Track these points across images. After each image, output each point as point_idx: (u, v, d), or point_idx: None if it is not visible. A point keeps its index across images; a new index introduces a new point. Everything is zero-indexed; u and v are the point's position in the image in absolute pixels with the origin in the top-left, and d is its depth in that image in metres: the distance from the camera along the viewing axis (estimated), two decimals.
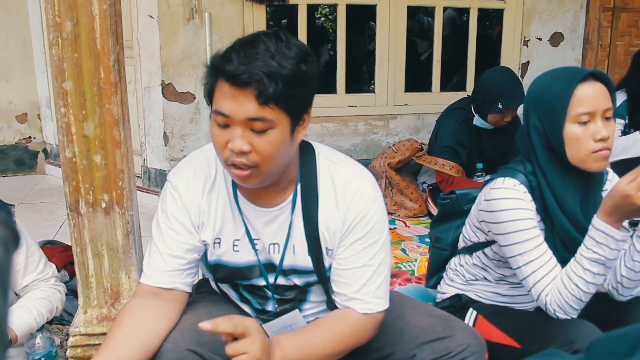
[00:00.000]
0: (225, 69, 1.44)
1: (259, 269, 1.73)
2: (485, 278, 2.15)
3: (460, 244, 2.24)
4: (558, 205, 1.89)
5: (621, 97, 3.78)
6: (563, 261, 1.84)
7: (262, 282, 1.76)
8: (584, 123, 1.80)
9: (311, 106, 1.58)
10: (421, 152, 4.31)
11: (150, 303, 1.65)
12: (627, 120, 3.80)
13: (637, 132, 3.72)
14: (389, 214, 4.23)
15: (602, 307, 2.04)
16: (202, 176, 1.70)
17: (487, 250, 2.08)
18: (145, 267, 1.69)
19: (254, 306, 1.83)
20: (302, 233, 1.69)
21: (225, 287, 1.84)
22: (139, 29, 4.30)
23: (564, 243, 1.88)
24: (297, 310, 1.78)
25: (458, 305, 2.19)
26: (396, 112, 4.86)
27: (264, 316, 1.81)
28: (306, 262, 1.71)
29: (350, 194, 1.66)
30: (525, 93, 1.97)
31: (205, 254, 1.74)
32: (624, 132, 3.77)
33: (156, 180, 4.50)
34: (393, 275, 3.21)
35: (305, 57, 1.50)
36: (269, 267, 1.74)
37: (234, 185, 1.68)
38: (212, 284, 1.88)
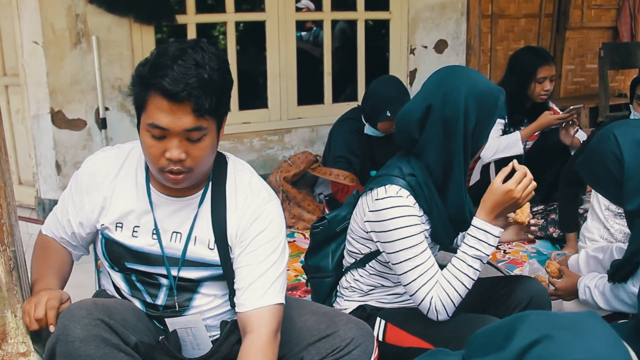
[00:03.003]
0: (162, 84, 1.55)
1: (162, 257, 1.80)
2: (382, 285, 2.20)
3: (349, 261, 2.25)
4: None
5: None
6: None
7: (161, 271, 1.81)
8: None
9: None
10: (316, 163, 4.35)
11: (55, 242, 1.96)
12: (506, 119, 3.97)
13: (517, 131, 3.89)
14: (288, 227, 4.26)
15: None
16: (107, 163, 1.85)
17: (380, 257, 2.13)
18: (47, 221, 1.99)
19: (145, 299, 1.85)
20: (208, 227, 1.81)
21: (119, 278, 1.87)
22: (24, 56, 4.16)
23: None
24: (199, 315, 1.84)
25: (363, 316, 2.17)
26: (290, 125, 4.90)
27: (155, 312, 1.85)
28: (207, 255, 1.81)
29: (249, 196, 1.82)
30: (458, 90, 1.99)
31: (104, 236, 1.83)
32: (504, 132, 3.94)
33: (51, 211, 4.36)
34: (293, 289, 3.24)
35: (226, 66, 1.69)
36: (171, 260, 1.81)
37: (147, 171, 1.80)
38: (107, 280, 1.92)
